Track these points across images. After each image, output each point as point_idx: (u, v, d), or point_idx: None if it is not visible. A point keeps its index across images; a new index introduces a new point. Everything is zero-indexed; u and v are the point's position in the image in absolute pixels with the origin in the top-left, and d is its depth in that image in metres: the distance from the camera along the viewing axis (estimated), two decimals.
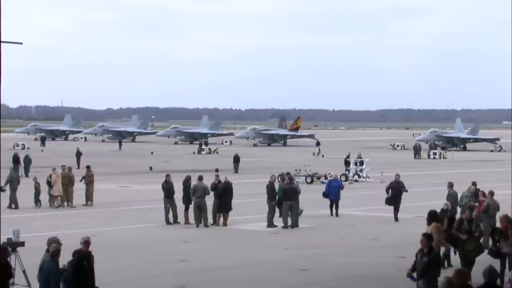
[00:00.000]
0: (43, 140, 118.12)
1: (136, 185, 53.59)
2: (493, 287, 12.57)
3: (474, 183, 31.94)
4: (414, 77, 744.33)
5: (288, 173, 41.16)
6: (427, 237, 16.83)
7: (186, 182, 35.12)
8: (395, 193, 35.54)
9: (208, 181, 35.30)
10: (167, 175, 35.46)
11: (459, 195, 30.99)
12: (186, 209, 34.52)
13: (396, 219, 35.44)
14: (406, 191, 36.31)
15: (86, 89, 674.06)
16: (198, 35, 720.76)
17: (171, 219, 34.32)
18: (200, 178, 34.44)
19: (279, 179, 39.53)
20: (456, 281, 12.54)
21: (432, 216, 22.63)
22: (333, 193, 37.60)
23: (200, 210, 33.62)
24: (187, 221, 34.24)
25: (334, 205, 37.49)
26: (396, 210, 35.61)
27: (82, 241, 16.41)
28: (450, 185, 31.85)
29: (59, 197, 40.40)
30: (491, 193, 28.83)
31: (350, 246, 28.98)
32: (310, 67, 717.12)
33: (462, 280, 12.64)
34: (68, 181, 40.67)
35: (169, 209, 34.30)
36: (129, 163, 78.00)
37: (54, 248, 15.23)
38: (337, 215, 37.07)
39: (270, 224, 33.43)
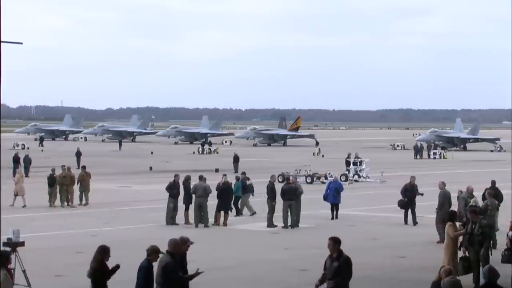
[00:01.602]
0: (41, 140, 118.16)
1: (136, 185, 53.57)
2: (494, 287, 12.57)
3: (493, 182, 31.70)
4: (414, 77, 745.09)
5: (281, 174, 41.38)
6: (334, 241, 15.73)
7: (186, 182, 35.12)
8: (411, 196, 34.00)
9: (209, 181, 35.32)
10: (176, 175, 35.40)
11: (451, 195, 30.82)
12: (186, 209, 34.52)
13: (415, 222, 33.89)
14: (422, 194, 34.76)
15: (86, 89, 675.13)
16: (198, 35, 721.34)
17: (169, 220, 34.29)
18: (200, 178, 34.44)
19: (279, 179, 39.43)
20: (443, 277, 12.68)
21: (451, 216, 22.49)
22: (331, 195, 36.83)
23: (201, 210, 33.60)
24: (187, 221, 34.23)
25: (334, 208, 36.79)
26: (413, 214, 34.04)
27: (184, 241, 16.08)
28: (443, 185, 31.19)
29: (16, 197, 40.26)
30: (490, 194, 28.85)
31: (350, 246, 28.91)
32: (310, 67, 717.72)
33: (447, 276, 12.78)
34: (68, 181, 40.68)
35: (172, 209, 34.21)
36: (129, 163, 77.98)
37: (149, 247, 15.42)
38: (336, 217, 36.42)
39: (270, 224, 33.43)
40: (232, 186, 35.98)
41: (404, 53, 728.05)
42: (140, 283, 15.24)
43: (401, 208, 34.43)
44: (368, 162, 60.99)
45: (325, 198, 37.23)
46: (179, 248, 15.92)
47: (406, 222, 34.26)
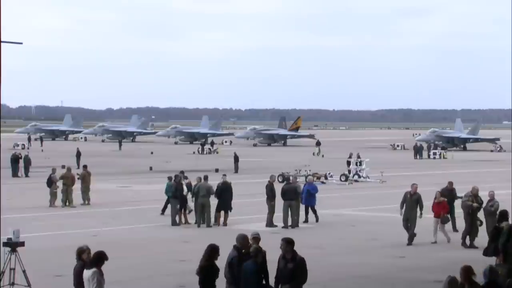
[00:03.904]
0: (29, 140, 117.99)
1: (136, 185, 53.54)
2: (495, 286, 12.60)
3: None
4: (414, 77, 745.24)
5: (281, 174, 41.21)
6: (287, 242, 15.27)
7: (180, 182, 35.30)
8: (449, 201, 31.87)
9: (210, 181, 35.36)
10: (177, 176, 35.44)
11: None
12: (185, 209, 34.55)
13: (455, 229, 31.82)
14: (460, 197, 32.16)
15: (86, 89, 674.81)
16: (199, 35, 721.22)
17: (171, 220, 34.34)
18: (205, 178, 34.52)
19: (279, 179, 39.29)
20: (461, 279, 12.61)
21: (503, 216, 22.33)
22: (304, 198, 35.30)
23: (204, 210, 33.64)
24: (185, 221, 34.28)
25: (308, 210, 35.44)
26: (453, 219, 32.25)
27: (251, 237, 16.23)
28: (415, 187, 30.07)
29: None
30: (494, 193, 28.87)
31: (350, 246, 28.98)
32: (310, 67, 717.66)
33: (466, 276, 12.71)
34: (69, 181, 40.69)
35: (177, 210, 34.27)
36: (129, 163, 77.98)
37: (253, 249, 15.43)
38: (316, 220, 35.21)
39: (269, 223, 33.43)
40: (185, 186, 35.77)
41: (404, 53, 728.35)
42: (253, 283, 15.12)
43: None
44: (368, 162, 60.96)
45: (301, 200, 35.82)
46: (247, 243, 15.82)
47: (455, 229, 32.05)
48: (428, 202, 30.61)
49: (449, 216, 30.35)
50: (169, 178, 36.84)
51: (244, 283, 15.22)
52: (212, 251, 15.33)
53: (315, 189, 36.29)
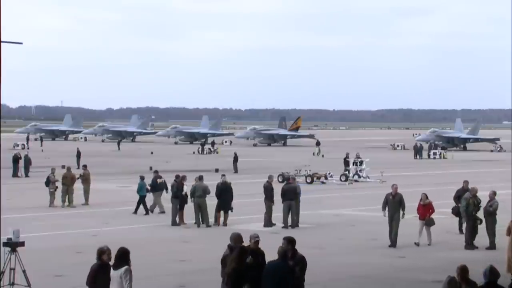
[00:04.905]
0: (27, 139, 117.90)
1: (136, 185, 53.40)
2: (495, 286, 12.62)
3: None
4: (414, 77, 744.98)
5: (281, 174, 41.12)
6: (288, 241, 15.50)
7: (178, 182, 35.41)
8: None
9: (210, 181, 35.37)
10: (177, 176, 35.53)
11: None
12: (181, 208, 34.60)
13: (462, 231, 31.06)
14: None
15: (86, 89, 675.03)
16: (198, 35, 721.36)
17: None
18: (200, 178, 34.52)
19: (279, 179, 39.25)
20: (458, 278, 12.67)
21: None
22: None
23: (200, 210, 33.66)
24: (181, 220, 34.31)
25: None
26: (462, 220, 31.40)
27: (252, 239, 16.23)
28: (395, 188, 29.52)
29: None
30: (494, 193, 28.84)
31: (350, 246, 28.98)
32: (310, 67, 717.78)
33: (462, 276, 12.78)
34: (69, 181, 40.69)
35: (177, 210, 34.32)
36: (129, 163, 77.95)
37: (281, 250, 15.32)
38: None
39: (267, 224, 33.41)
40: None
41: (404, 53, 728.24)
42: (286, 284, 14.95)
43: (455, 215, 31.96)
44: (368, 162, 60.94)
45: None
46: (241, 242, 15.89)
47: (461, 231, 31.34)
48: (410, 204, 30.34)
49: (433, 218, 29.96)
50: (141, 178, 38.51)
51: (274, 283, 14.96)
52: (242, 254, 15.30)
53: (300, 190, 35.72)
